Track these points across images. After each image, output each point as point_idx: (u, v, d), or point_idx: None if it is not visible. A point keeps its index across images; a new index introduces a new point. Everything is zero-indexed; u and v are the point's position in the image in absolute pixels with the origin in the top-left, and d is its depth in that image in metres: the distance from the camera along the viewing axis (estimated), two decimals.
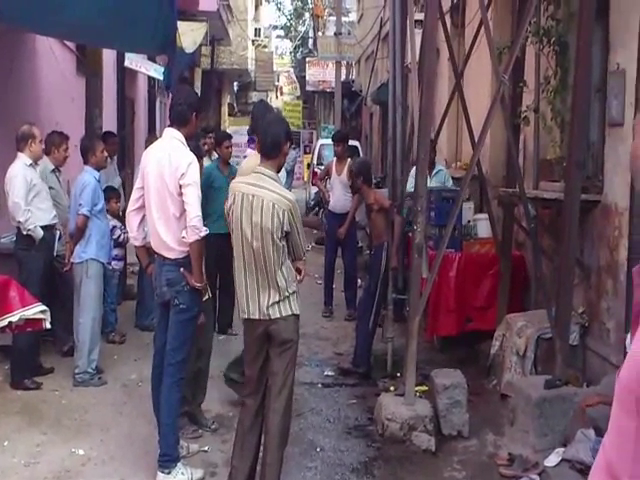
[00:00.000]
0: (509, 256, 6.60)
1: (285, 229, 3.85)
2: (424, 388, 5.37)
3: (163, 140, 4.55)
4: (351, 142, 16.47)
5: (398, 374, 5.89)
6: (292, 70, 41.59)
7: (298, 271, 4.03)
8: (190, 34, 9.00)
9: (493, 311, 6.56)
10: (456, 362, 6.47)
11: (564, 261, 5.25)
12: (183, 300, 4.31)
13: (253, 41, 30.39)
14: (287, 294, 3.89)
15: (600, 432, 4.27)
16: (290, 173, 18.41)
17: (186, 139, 4.55)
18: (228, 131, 19.10)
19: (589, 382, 5.27)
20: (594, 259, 5.60)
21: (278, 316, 3.88)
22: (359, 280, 8.96)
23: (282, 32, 45.26)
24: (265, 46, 34.72)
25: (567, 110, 6.14)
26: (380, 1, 16.53)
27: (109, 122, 10.21)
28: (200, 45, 18.13)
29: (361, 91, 23.72)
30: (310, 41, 35.99)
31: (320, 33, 29.88)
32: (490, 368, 6.15)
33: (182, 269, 4.31)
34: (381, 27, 15.78)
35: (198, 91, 20.94)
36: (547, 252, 6.33)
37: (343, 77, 24.51)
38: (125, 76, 11.74)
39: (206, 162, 8.48)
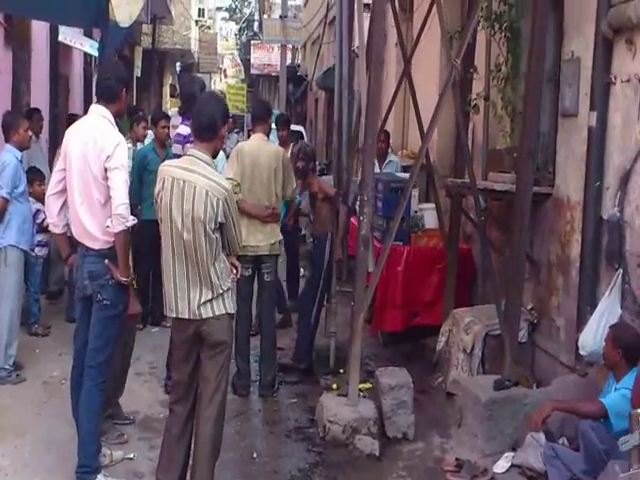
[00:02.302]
0: (456, 249, 6.39)
1: (219, 220, 3.49)
2: (368, 386, 5.11)
3: (88, 118, 4.14)
4: (296, 127, 16.12)
5: (341, 370, 5.63)
6: (237, 53, 40.85)
7: (233, 266, 3.68)
8: (126, 7, 8.46)
9: (440, 306, 6.36)
10: (401, 357, 6.28)
11: (514, 255, 5.05)
12: (107, 295, 3.91)
13: (197, 21, 29.66)
14: (221, 291, 3.53)
15: (551, 436, 4.09)
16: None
17: (115, 117, 4.15)
18: (169, 113, 18.44)
19: (539, 382, 5.09)
20: (544, 254, 5.42)
21: (210, 315, 3.52)
22: (301, 270, 8.63)
23: (227, 14, 44.44)
24: (209, 27, 33.98)
25: (518, 99, 5.96)
26: None
27: (39, 98, 9.61)
28: (140, 23, 17.44)
29: (306, 76, 23.37)
30: (255, 24, 35.39)
31: (266, 16, 29.35)
32: (436, 364, 5.94)
33: (106, 261, 3.91)
34: (328, 11, 15.42)
35: (138, 70, 20.31)
36: (495, 245, 6.15)
37: (288, 61, 24.12)
38: (59, 51, 11.15)
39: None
